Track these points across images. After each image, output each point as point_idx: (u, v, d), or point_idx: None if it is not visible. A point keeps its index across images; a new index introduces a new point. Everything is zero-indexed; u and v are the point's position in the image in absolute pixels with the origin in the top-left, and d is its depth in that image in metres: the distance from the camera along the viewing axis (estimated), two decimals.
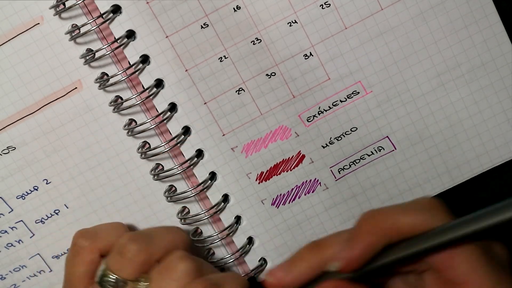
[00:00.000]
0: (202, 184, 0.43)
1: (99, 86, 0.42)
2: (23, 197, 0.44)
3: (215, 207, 0.44)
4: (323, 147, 0.43)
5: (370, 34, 0.41)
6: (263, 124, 0.43)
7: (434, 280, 0.33)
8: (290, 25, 0.41)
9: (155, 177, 0.43)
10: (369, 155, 0.43)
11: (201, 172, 0.44)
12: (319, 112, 0.42)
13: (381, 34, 0.41)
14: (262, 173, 0.44)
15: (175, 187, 0.44)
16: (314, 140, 0.43)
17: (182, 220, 0.44)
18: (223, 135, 0.43)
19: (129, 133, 0.42)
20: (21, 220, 0.45)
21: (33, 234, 0.45)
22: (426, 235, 0.31)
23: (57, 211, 0.45)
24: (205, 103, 0.42)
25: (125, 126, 0.43)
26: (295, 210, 0.44)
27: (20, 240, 0.45)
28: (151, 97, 0.42)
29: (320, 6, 0.41)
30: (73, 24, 0.41)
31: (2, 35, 0.41)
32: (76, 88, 0.42)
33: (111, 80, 0.41)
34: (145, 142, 0.43)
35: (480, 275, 0.32)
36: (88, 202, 0.45)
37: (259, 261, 0.45)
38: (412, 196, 0.44)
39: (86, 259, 0.39)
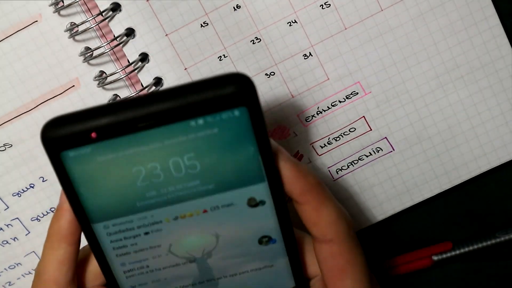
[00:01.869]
0: None
1: (98, 84, 0.42)
2: (19, 195, 0.44)
3: None
4: (322, 147, 0.43)
5: (369, 34, 0.41)
6: None
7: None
8: (290, 25, 0.41)
9: None
10: (367, 156, 0.43)
11: None
12: (318, 112, 0.42)
13: (380, 35, 0.41)
14: None
15: None
16: (312, 140, 0.43)
17: None
18: None
19: None
20: (17, 218, 0.45)
21: (29, 232, 0.45)
22: None
23: (53, 209, 0.44)
24: None
25: None
26: None
27: (15, 237, 0.45)
28: None
29: (320, 6, 0.40)
30: (71, 22, 0.41)
31: (0, 32, 0.41)
32: (73, 86, 0.42)
33: (110, 78, 0.41)
34: None
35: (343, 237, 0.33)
36: None
37: None
38: (411, 198, 0.44)
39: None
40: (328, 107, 0.42)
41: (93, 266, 0.36)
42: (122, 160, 0.30)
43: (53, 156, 0.30)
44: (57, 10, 0.40)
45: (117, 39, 0.40)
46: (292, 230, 0.34)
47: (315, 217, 0.33)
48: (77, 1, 0.40)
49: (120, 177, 0.31)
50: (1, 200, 0.44)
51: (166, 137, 0.30)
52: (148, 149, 0.30)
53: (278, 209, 0.33)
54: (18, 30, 0.41)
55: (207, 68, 0.41)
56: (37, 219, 0.45)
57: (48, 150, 0.30)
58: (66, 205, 0.33)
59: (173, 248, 0.34)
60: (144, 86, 0.41)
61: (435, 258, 0.45)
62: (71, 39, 0.41)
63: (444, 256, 0.45)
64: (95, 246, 0.34)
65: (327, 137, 0.43)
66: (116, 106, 0.29)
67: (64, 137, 0.29)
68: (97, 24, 0.40)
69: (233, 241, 0.34)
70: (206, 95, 0.29)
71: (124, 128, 0.29)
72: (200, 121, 0.30)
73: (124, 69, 0.41)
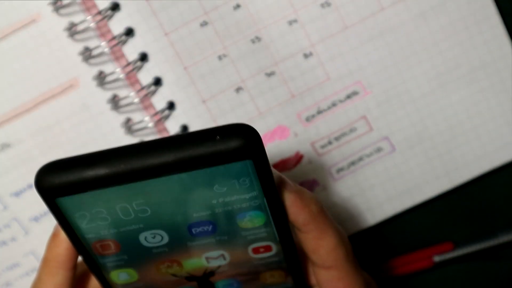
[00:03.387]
0: None
1: (97, 83, 0.41)
2: (18, 195, 0.44)
3: None
4: (322, 147, 0.43)
5: (370, 34, 0.41)
6: (261, 124, 0.42)
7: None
8: (290, 24, 0.41)
9: None
10: (368, 156, 0.43)
11: None
12: (318, 112, 0.42)
13: (381, 34, 0.41)
14: None
15: None
16: (312, 140, 0.43)
17: None
18: None
19: (127, 131, 0.42)
20: (15, 218, 0.44)
21: (27, 233, 0.45)
22: None
23: None
24: (203, 102, 0.42)
25: (123, 124, 0.42)
26: None
27: (13, 238, 0.45)
28: (149, 95, 0.42)
29: (320, 5, 0.40)
30: (70, 21, 0.41)
31: None
32: (72, 85, 0.42)
33: (109, 78, 0.41)
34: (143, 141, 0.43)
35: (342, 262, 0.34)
36: None
37: None
38: (411, 198, 0.44)
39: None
40: (328, 106, 0.42)
41: (95, 282, 0.36)
42: (122, 201, 0.30)
43: (49, 201, 0.30)
44: (56, 9, 0.40)
45: (116, 39, 0.40)
46: (297, 258, 0.34)
47: (315, 245, 0.33)
48: (76, 0, 0.40)
49: (120, 215, 0.31)
50: None
51: (164, 185, 0.29)
52: (147, 193, 0.30)
53: (285, 247, 0.33)
54: (17, 29, 0.41)
55: (206, 67, 0.41)
56: (35, 219, 0.44)
57: (43, 197, 0.29)
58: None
59: (172, 269, 0.34)
60: (143, 85, 0.41)
61: (436, 258, 0.45)
62: (70, 38, 0.41)
63: (445, 256, 0.45)
64: (95, 270, 0.34)
65: (328, 137, 0.43)
66: (113, 154, 0.29)
67: (58, 186, 0.29)
68: (96, 24, 0.40)
69: (237, 263, 0.34)
70: (209, 149, 0.28)
71: (122, 179, 0.29)
72: (203, 172, 0.29)
73: (123, 68, 0.41)
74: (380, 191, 0.44)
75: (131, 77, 0.42)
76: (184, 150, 0.28)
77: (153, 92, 0.42)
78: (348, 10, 0.40)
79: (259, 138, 0.28)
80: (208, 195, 0.30)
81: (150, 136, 0.42)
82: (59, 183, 0.29)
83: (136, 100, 0.41)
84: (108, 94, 0.42)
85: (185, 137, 0.28)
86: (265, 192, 0.30)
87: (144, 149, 0.28)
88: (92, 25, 0.40)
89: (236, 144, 0.28)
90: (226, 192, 0.30)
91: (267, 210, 0.31)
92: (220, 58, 0.41)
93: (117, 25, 0.40)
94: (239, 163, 0.29)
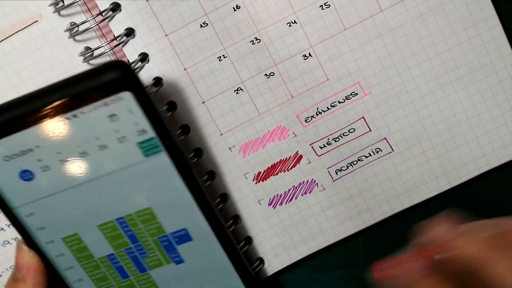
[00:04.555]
0: None
1: None
2: None
3: None
4: (321, 147, 0.43)
5: (369, 35, 0.41)
6: (261, 124, 0.43)
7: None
8: (290, 25, 0.41)
9: None
10: (366, 157, 0.43)
11: (199, 173, 0.44)
12: (317, 113, 0.42)
13: (380, 35, 0.41)
14: (259, 173, 0.44)
15: None
16: (311, 140, 0.43)
17: None
18: (221, 134, 0.43)
19: None
20: None
21: None
22: None
23: None
24: (203, 102, 0.42)
25: None
26: (292, 211, 0.44)
27: (16, 237, 0.45)
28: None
29: (319, 6, 0.41)
30: (71, 22, 0.41)
31: (1, 32, 0.41)
32: None
33: None
34: None
35: None
36: None
37: (256, 261, 0.45)
38: (410, 198, 0.44)
39: None
40: (327, 107, 0.42)
41: None
42: (29, 150, 0.33)
43: None
44: (57, 10, 0.40)
45: (117, 39, 0.40)
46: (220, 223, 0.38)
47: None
48: (77, 1, 0.40)
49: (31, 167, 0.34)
50: None
51: (60, 128, 0.33)
52: (52, 140, 0.33)
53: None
54: (19, 30, 0.41)
55: (206, 68, 0.41)
56: None
57: None
58: None
59: None
60: (144, 86, 0.41)
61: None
62: (71, 39, 0.41)
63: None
64: (21, 231, 0.38)
65: (327, 138, 0.43)
66: (10, 104, 0.33)
67: None
68: (97, 24, 0.40)
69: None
70: (87, 85, 0.32)
71: (20, 124, 0.32)
72: (90, 107, 0.32)
73: None
74: (379, 192, 0.44)
75: None
76: (66, 91, 0.32)
77: (153, 93, 0.42)
78: (347, 11, 0.41)
79: (132, 70, 0.32)
80: (101, 133, 0.33)
81: None
82: None
83: None
84: None
85: (69, 80, 0.32)
86: (152, 122, 0.33)
87: (34, 95, 0.33)
88: (93, 25, 0.40)
89: (112, 76, 0.32)
90: (116, 128, 0.33)
91: (158, 138, 0.34)
92: (220, 58, 0.41)
93: (117, 25, 0.41)
94: (119, 96, 0.32)
